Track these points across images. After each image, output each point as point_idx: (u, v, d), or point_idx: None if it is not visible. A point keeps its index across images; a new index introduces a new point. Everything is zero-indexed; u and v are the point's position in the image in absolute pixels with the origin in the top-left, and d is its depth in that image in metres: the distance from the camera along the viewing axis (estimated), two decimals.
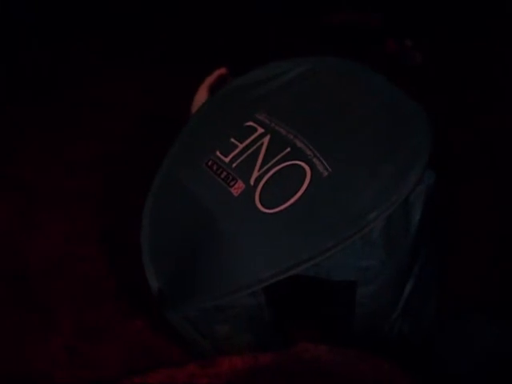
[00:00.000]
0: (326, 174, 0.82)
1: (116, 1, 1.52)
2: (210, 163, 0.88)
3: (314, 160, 0.83)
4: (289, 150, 0.85)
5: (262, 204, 0.82)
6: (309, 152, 0.84)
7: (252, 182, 0.84)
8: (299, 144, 0.85)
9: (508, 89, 1.25)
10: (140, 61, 1.39)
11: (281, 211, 0.81)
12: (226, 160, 0.87)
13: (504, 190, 1.11)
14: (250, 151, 0.87)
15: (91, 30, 1.47)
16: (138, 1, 1.52)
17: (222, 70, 1.10)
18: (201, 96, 1.07)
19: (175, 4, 1.50)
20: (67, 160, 1.21)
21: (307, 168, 0.83)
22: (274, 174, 0.84)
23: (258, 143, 0.87)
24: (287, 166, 0.84)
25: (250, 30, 1.06)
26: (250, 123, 0.90)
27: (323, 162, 0.83)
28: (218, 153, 0.88)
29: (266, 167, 0.84)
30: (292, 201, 0.81)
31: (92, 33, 1.46)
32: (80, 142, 1.24)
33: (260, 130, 0.88)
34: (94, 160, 1.20)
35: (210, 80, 1.09)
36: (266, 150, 0.86)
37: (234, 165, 0.86)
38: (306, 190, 0.82)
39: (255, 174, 0.84)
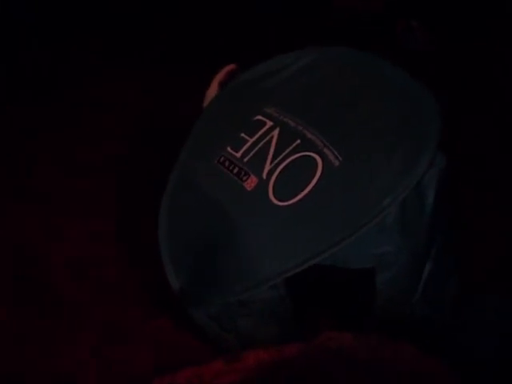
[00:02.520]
0: (337, 163, 0.82)
1: (116, 1, 1.52)
2: (222, 160, 0.89)
3: (325, 150, 0.83)
4: (299, 141, 0.85)
5: (275, 197, 0.83)
6: (319, 143, 0.84)
7: (264, 175, 0.84)
8: (309, 135, 0.85)
9: (508, 89, 1.24)
10: (140, 61, 1.39)
11: (295, 203, 0.82)
12: (238, 155, 0.88)
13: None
14: (260, 145, 0.87)
15: (91, 30, 1.47)
16: (137, 1, 1.52)
17: (232, 66, 1.10)
18: (211, 92, 1.08)
19: (175, 4, 1.49)
20: (70, 161, 1.22)
21: (318, 159, 0.83)
22: (286, 166, 0.84)
23: (268, 137, 0.87)
24: (298, 157, 0.84)
25: (250, 30, 1.06)
26: (259, 117, 0.90)
27: (334, 151, 0.83)
28: (229, 149, 0.89)
29: (277, 160, 0.85)
30: (305, 192, 0.82)
31: (92, 33, 1.46)
32: (80, 142, 1.24)
33: (269, 124, 0.88)
34: (96, 161, 1.21)
35: (220, 76, 1.09)
36: (277, 143, 0.86)
37: (245, 160, 0.87)
38: (318, 180, 0.82)
39: (267, 168, 0.85)
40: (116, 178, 1.16)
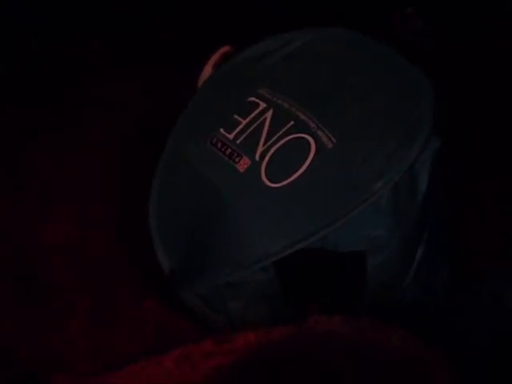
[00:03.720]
0: (330, 145, 0.82)
1: (116, 1, 1.51)
2: (214, 141, 0.88)
3: (318, 132, 0.83)
4: (292, 123, 0.85)
5: (268, 178, 0.82)
6: (312, 124, 0.84)
7: (257, 157, 0.84)
8: (302, 117, 0.85)
9: (508, 89, 1.24)
10: (140, 61, 1.38)
11: (287, 184, 0.81)
12: (230, 137, 0.87)
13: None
14: (253, 127, 0.86)
15: (91, 30, 1.46)
16: (138, 1, 1.51)
17: (227, 48, 1.09)
18: (205, 74, 1.07)
19: (175, 4, 1.49)
20: (70, 158, 1.22)
21: (311, 140, 0.83)
22: (279, 148, 0.84)
23: (262, 118, 0.87)
24: (291, 139, 0.84)
25: (251, 31, 1.05)
26: (253, 98, 0.89)
27: (327, 133, 0.83)
28: (221, 130, 0.88)
29: (270, 142, 0.84)
30: (298, 174, 0.81)
31: (92, 33, 1.45)
32: (80, 141, 1.24)
33: (262, 105, 0.88)
34: (95, 160, 1.21)
35: (214, 58, 1.09)
36: (270, 125, 0.86)
37: (238, 141, 0.86)
38: (311, 162, 0.82)
39: (260, 149, 0.84)
40: (120, 174, 1.16)
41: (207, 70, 1.06)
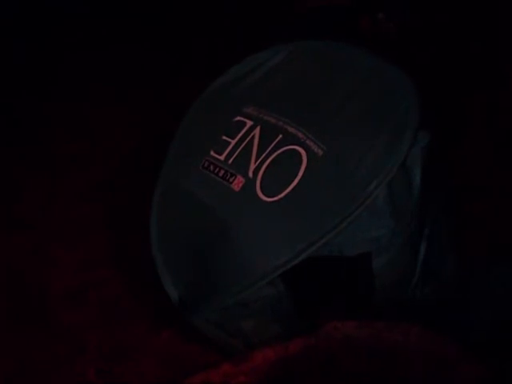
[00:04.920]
0: (321, 153, 0.83)
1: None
2: (206, 164, 0.89)
3: (308, 142, 0.84)
4: (281, 136, 0.85)
5: (263, 194, 0.83)
6: (301, 135, 0.84)
7: (250, 174, 0.85)
8: (290, 129, 0.85)
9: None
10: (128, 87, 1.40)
11: (284, 197, 0.82)
12: (222, 158, 0.88)
13: None
14: (243, 145, 0.87)
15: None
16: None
17: None
18: None
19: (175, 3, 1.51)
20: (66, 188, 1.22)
21: (302, 151, 0.83)
22: (271, 162, 0.84)
23: (250, 136, 0.87)
24: (282, 152, 0.84)
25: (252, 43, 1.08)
26: (239, 118, 0.90)
27: (316, 142, 0.83)
28: (212, 152, 0.89)
29: (261, 157, 0.85)
30: (292, 185, 0.82)
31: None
32: (77, 167, 1.25)
33: (249, 123, 0.89)
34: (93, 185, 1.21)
35: None
36: (259, 141, 0.86)
37: (229, 161, 0.87)
38: (304, 172, 0.82)
39: (252, 166, 0.85)
40: (117, 199, 1.18)
41: None
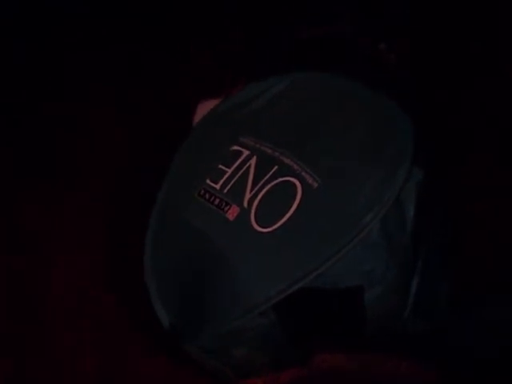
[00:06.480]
0: (316, 185, 0.83)
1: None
2: (202, 192, 0.89)
3: (303, 174, 0.84)
4: (277, 167, 0.86)
5: (258, 224, 0.83)
6: (296, 167, 0.85)
7: (245, 204, 0.85)
8: (286, 160, 0.86)
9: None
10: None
11: (278, 228, 0.82)
12: (217, 187, 0.89)
13: None
14: (238, 174, 0.88)
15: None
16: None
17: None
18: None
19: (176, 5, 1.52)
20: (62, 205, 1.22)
21: (297, 182, 0.84)
22: (266, 193, 0.85)
23: (246, 165, 0.88)
24: (277, 183, 0.85)
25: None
26: (236, 147, 0.91)
27: (312, 174, 0.84)
28: (208, 181, 0.90)
29: (256, 188, 0.86)
30: (287, 216, 0.82)
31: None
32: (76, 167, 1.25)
33: (246, 153, 0.89)
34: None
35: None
36: (255, 171, 0.87)
37: (225, 190, 0.88)
38: (299, 204, 0.83)
39: (247, 196, 0.85)
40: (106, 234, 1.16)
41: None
